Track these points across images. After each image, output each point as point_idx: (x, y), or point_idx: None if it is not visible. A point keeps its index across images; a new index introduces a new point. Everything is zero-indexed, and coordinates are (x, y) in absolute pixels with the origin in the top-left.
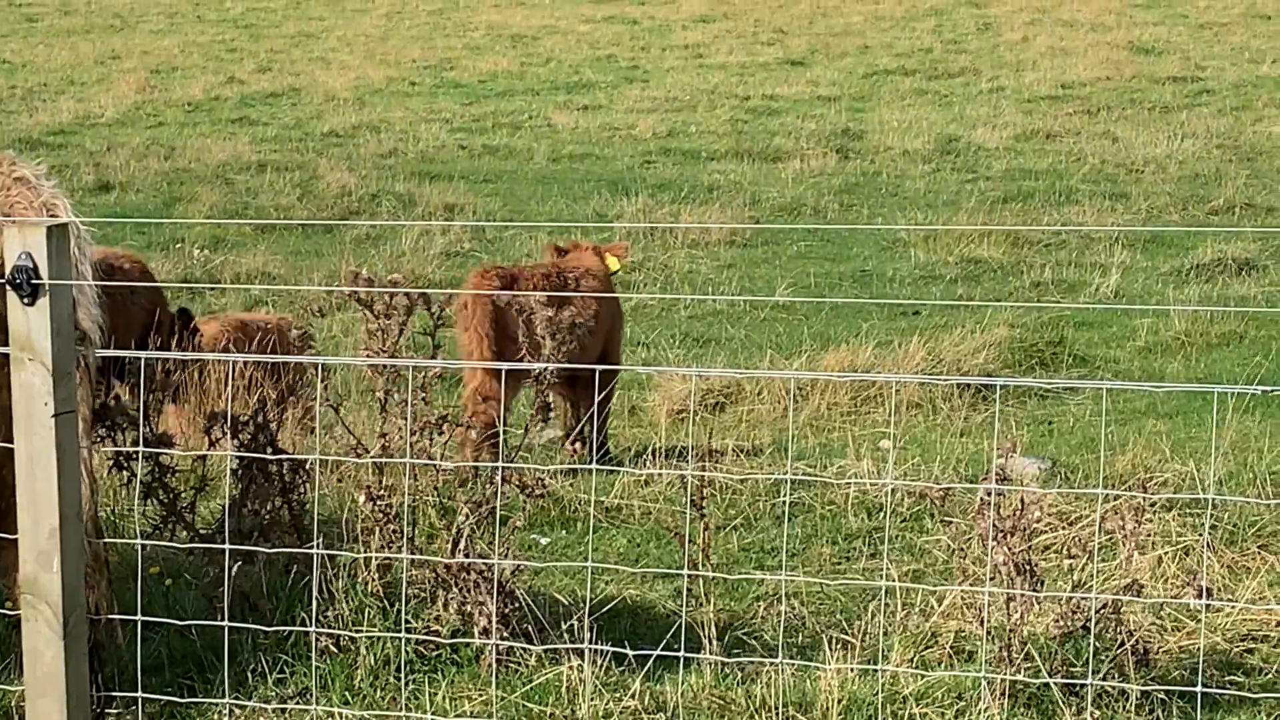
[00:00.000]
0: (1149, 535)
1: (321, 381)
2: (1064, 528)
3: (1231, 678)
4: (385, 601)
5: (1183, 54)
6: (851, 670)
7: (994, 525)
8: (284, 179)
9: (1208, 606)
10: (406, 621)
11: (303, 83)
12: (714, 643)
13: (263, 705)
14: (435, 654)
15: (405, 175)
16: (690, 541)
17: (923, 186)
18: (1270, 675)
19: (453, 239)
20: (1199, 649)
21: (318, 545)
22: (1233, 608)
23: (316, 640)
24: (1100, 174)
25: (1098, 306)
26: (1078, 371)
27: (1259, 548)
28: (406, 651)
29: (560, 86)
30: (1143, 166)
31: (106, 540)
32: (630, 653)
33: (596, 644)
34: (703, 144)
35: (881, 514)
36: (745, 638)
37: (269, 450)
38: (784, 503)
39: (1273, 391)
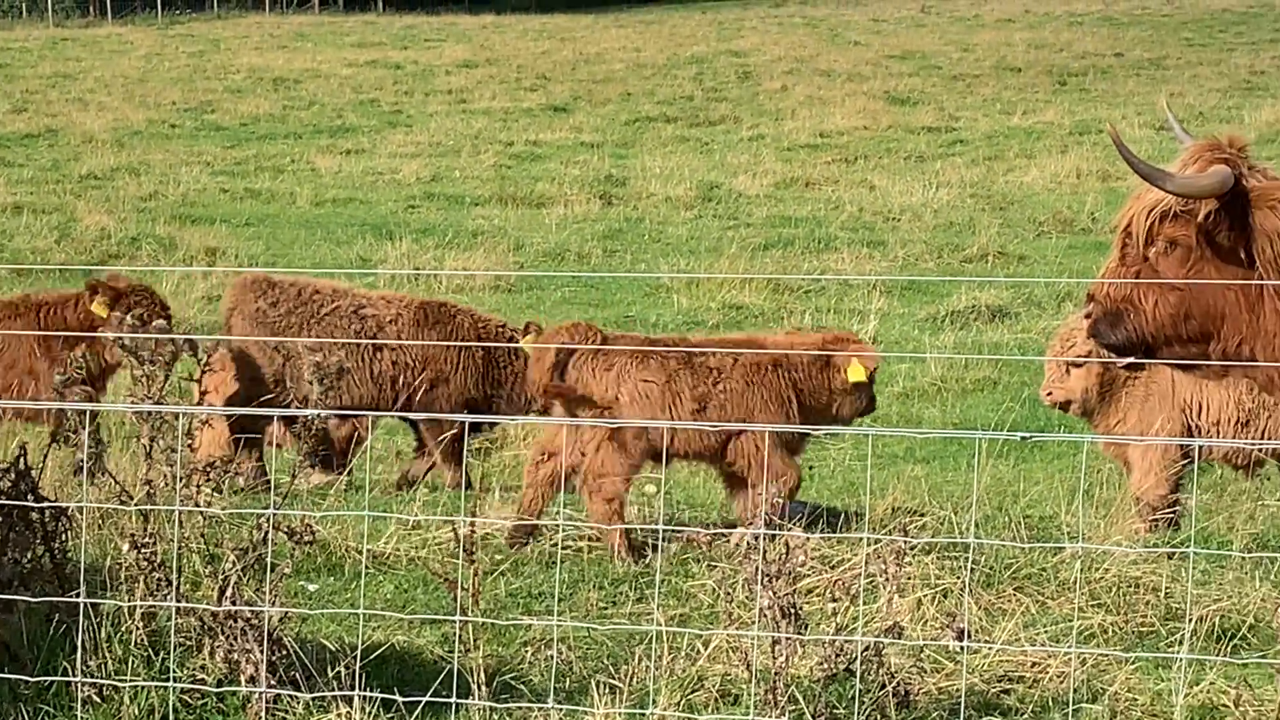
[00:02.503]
0: (910, 578)
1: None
2: (827, 571)
3: (989, 718)
4: (150, 650)
5: (937, 105)
6: (619, 715)
7: (759, 569)
8: (41, 221)
9: (966, 648)
10: (172, 670)
11: (60, 124)
12: (483, 688)
13: None
14: (201, 703)
15: (166, 218)
16: (459, 587)
17: (685, 233)
18: (1027, 715)
19: (214, 283)
20: (959, 690)
21: (81, 594)
22: (990, 649)
23: (79, 690)
24: (858, 222)
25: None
26: None
27: (1015, 590)
28: (172, 701)
29: (323, 130)
30: (899, 214)
31: None
32: (399, 699)
33: (365, 691)
34: (467, 189)
35: (649, 559)
36: (514, 683)
37: (29, 497)
38: (553, 547)
39: (1033, 438)
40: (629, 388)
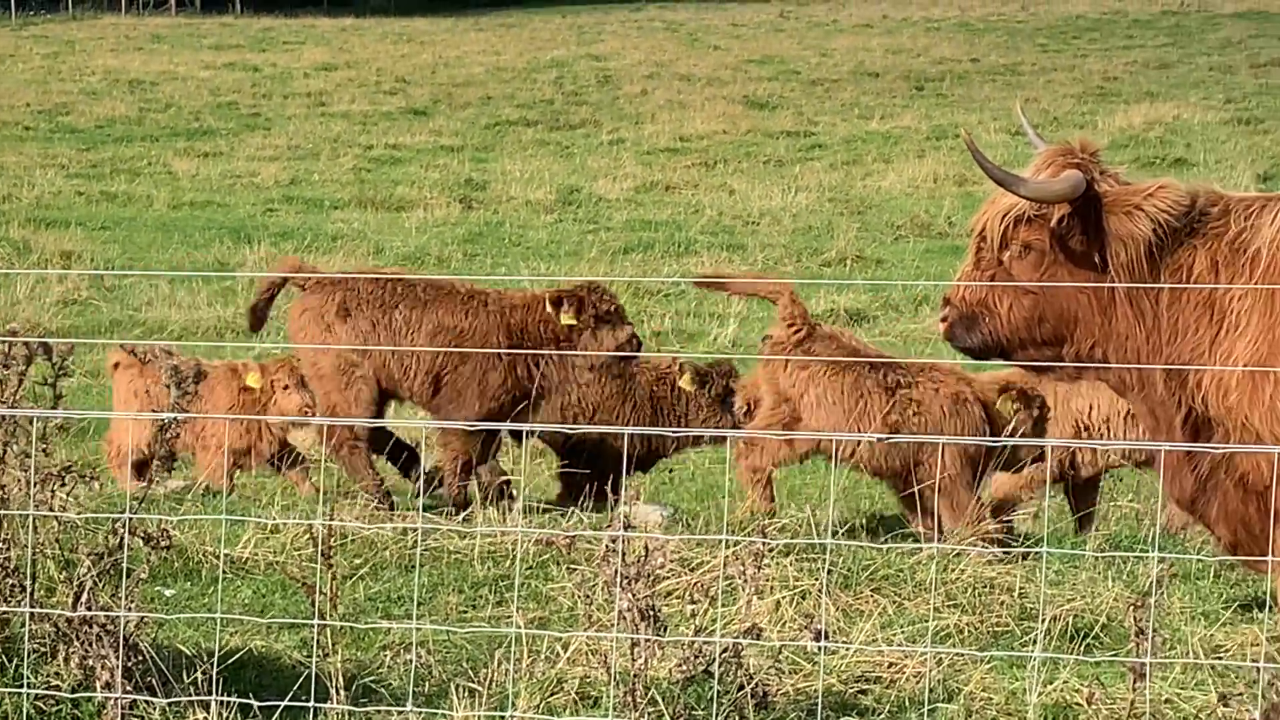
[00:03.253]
0: (769, 580)
1: None
2: (686, 574)
3: (847, 718)
4: (4, 657)
5: (796, 109)
6: (478, 718)
7: (618, 571)
8: None
9: (824, 649)
10: (25, 677)
11: None
12: (341, 692)
13: None
14: (56, 709)
15: (20, 222)
16: (317, 591)
17: (545, 236)
18: (884, 715)
19: (70, 287)
20: (816, 690)
21: None
22: (848, 649)
23: None
24: (718, 225)
25: (716, 355)
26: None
27: (873, 591)
28: (26, 708)
29: (180, 133)
30: (758, 218)
31: None
32: (256, 704)
33: (223, 696)
34: (326, 193)
35: (509, 562)
36: (373, 686)
37: None
38: (412, 551)
39: (888, 439)
40: (816, 391)
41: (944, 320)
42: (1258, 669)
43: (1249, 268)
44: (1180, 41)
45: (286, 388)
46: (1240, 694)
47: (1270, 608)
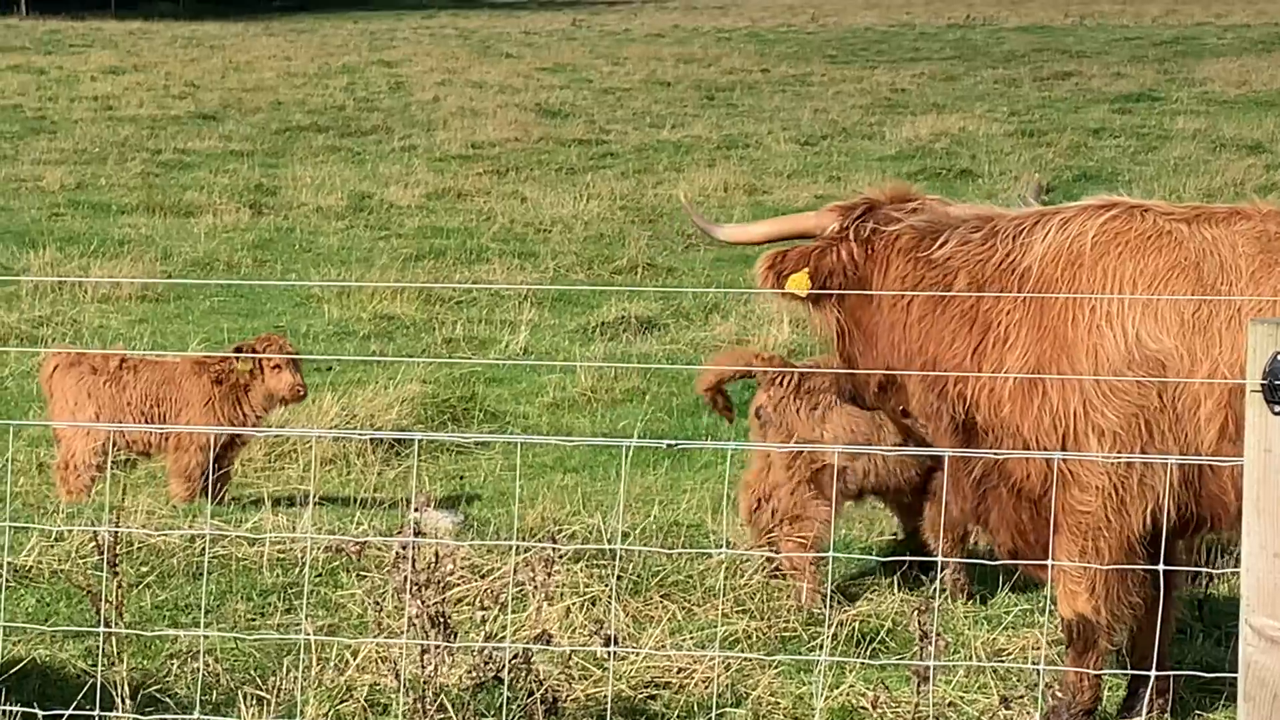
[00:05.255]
0: (560, 586)
1: None
2: (477, 580)
3: None
4: None
5: (588, 117)
6: None
7: (408, 578)
8: None
9: (613, 654)
10: None
11: None
12: (127, 701)
13: None
14: None
15: None
16: (103, 599)
17: (336, 243)
18: None
19: None
20: (606, 696)
21: None
22: (638, 655)
23: None
24: (510, 233)
25: (508, 363)
26: (489, 426)
27: (663, 596)
28: None
29: None
30: (550, 226)
31: None
32: (41, 714)
33: (6, 705)
34: (113, 197)
35: (298, 569)
36: (159, 695)
37: None
38: (200, 558)
39: (678, 445)
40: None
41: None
42: (1037, 671)
43: (1018, 285)
44: (966, 54)
45: (277, 367)
46: (1021, 696)
47: (1049, 611)
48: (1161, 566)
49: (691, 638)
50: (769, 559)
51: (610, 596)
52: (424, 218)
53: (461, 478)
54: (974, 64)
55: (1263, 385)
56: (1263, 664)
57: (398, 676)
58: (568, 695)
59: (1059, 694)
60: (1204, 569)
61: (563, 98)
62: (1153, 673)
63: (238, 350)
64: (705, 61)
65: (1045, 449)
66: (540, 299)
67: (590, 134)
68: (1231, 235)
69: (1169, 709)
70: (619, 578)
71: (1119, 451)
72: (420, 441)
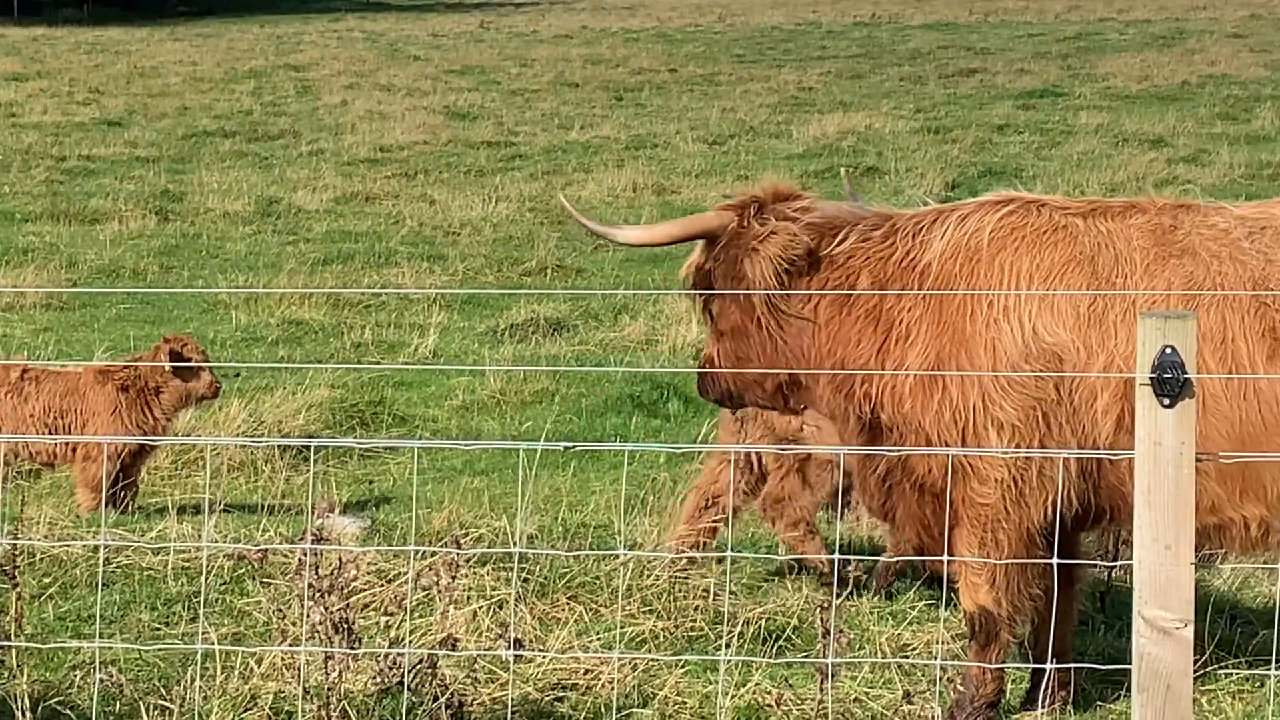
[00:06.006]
0: (465, 590)
1: None
2: (382, 585)
3: None
4: None
5: (496, 119)
6: None
7: (311, 585)
8: None
9: (519, 657)
10: None
11: None
12: (28, 714)
13: None
14: None
15: None
16: (1, 612)
17: (244, 248)
18: None
19: None
20: (512, 699)
21: None
22: (543, 657)
23: None
24: (418, 236)
25: (416, 367)
26: (398, 430)
27: (569, 598)
28: None
29: None
30: (459, 229)
31: None
32: None
33: None
34: (17, 205)
35: (203, 577)
36: (60, 708)
37: None
38: (102, 569)
39: (575, 447)
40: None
41: None
42: (940, 667)
43: (918, 282)
44: (872, 52)
45: (193, 361)
46: (924, 691)
47: (952, 606)
48: (1055, 560)
49: (598, 639)
50: (673, 560)
51: (514, 599)
52: (332, 222)
53: (370, 482)
54: (880, 62)
55: (1152, 379)
56: (1156, 655)
57: (301, 684)
58: (473, 699)
59: (962, 688)
60: (1098, 561)
61: (471, 100)
62: (1049, 665)
63: (158, 349)
64: (613, 62)
65: (946, 444)
66: (449, 302)
67: (499, 136)
68: (1126, 229)
69: (1071, 701)
70: (525, 580)
71: (1018, 444)
72: (326, 447)
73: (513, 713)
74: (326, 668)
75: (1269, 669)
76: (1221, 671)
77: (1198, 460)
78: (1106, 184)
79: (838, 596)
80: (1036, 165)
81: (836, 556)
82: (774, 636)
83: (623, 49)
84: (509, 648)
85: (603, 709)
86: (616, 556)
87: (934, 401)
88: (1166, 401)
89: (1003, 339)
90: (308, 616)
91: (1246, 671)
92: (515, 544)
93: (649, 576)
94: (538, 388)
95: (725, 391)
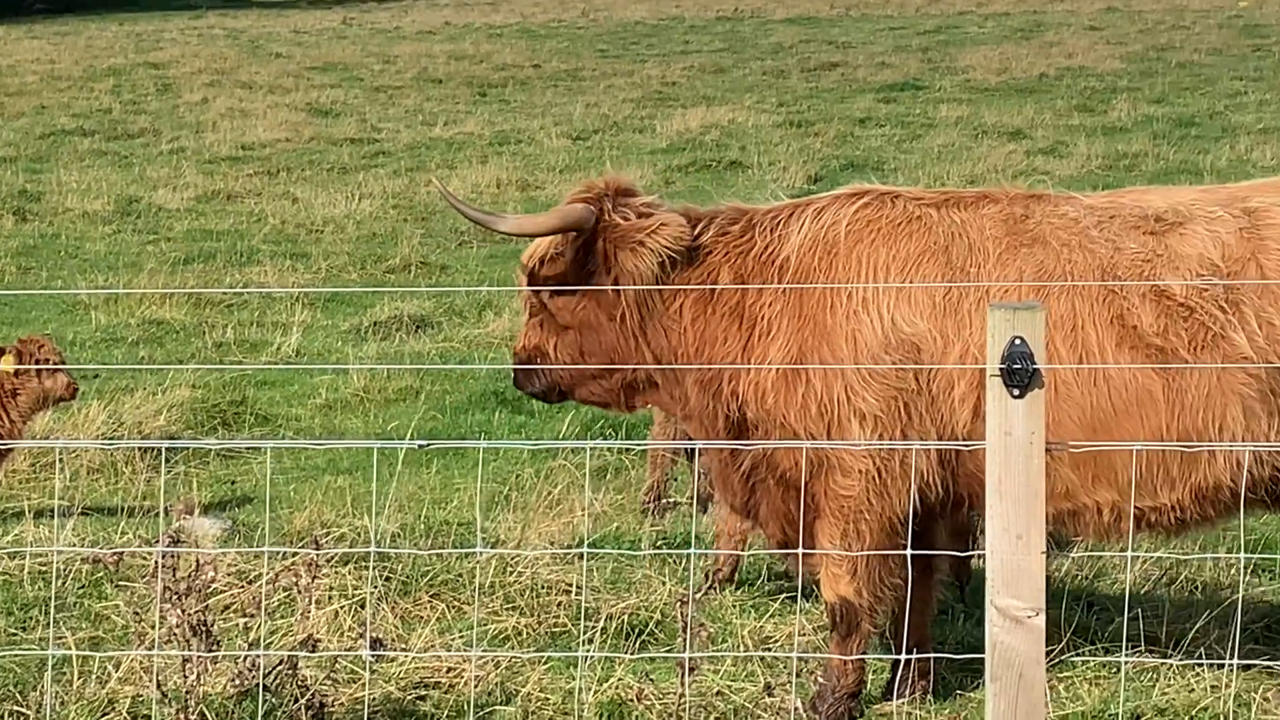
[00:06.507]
0: (326, 590)
1: None
2: (243, 587)
3: None
4: None
5: (359, 116)
6: None
7: (168, 587)
8: None
9: (380, 657)
10: None
11: None
12: None
13: None
14: None
15: None
16: None
17: (103, 248)
18: None
19: None
20: (374, 699)
21: None
22: (405, 656)
23: None
24: (281, 234)
25: (279, 366)
26: (260, 430)
27: (432, 596)
28: None
29: None
30: (322, 226)
31: None
32: None
33: None
34: None
35: (60, 581)
36: None
37: None
38: None
39: (430, 445)
40: None
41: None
42: (800, 659)
43: (778, 276)
44: (735, 47)
45: (49, 363)
46: (785, 683)
47: (813, 597)
48: (909, 551)
49: (461, 637)
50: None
51: (374, 598)
52: (193, 221)
53: (233, 483)
54: (742, 56)
55: (1001, 370)
56: (1008, 644)
57: (159, 687)
58: (334, 700)
59: (823, 679)
60: (950, 551)
61: (334, 97)
62: (903, 656)
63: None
64: (477, 58)
65: (812, 437)
66: (312, 300)
67: (362, 133)
68: (979, 219)
69: (931, 690)
70: (387, 579)
71: (881, 435)
72: (180, 449)
73: (374, 712)
74: (184, 671)
75: (1120, 655)
76: (1078, 658)
77: (1048, 450)
78: (966, 176)
79: (700, 590)
80: (898, 158)
81: (692, 551)
82: (637, 631)
83: (486, 45)
84: (370, 647)
85: (466, 707)
86: (480, 554)
87: (798, 395)
88: (1016, 392)
89: (863, 331)
90: (164, 619)
91: (1103, 658)
92: (381, 543)
93: (512, 573)
94: (401, 385)
95: (552, 386)
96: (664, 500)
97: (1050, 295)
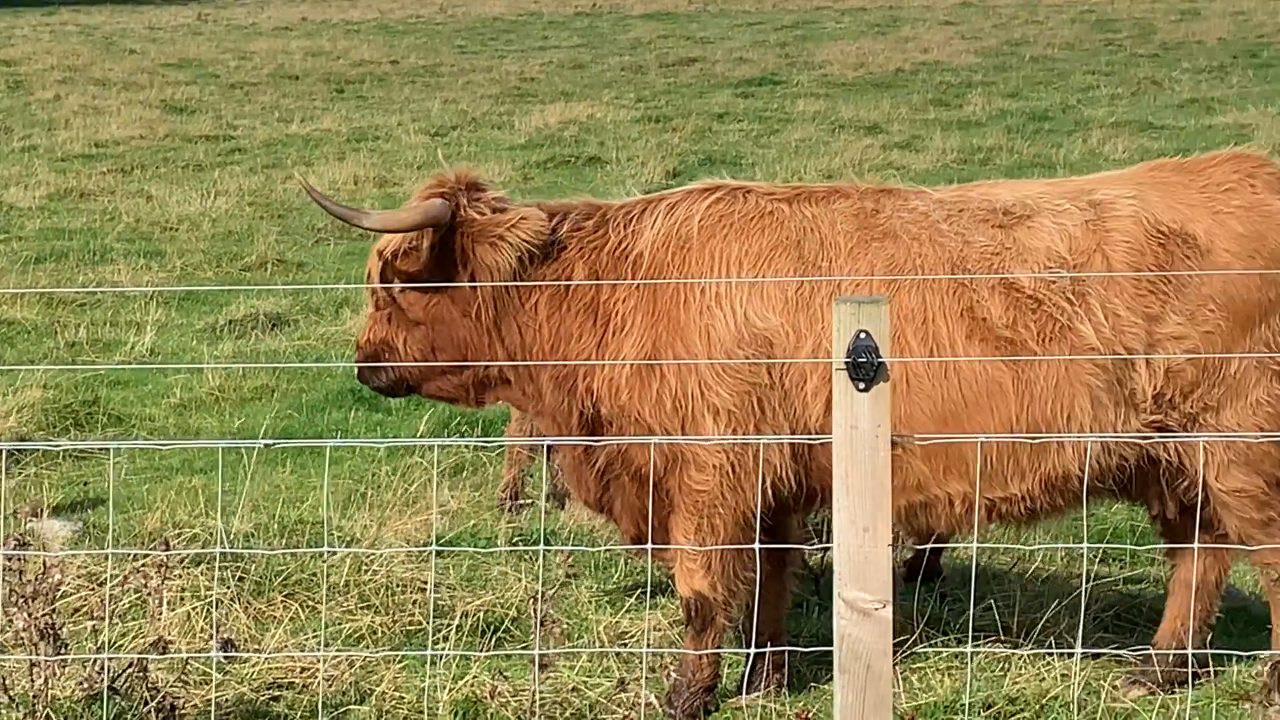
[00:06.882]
0: (178, 591)
1: None
2: (92, 589)
3: None
4: None
5: (215, 113)
6: None
7: (14, 591)
8: None
9: (231, 658)
10: None
11: None
12: None
13: None
14: None
15: None
16: None
17: None
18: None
19: None
20: (226, 700)
21: None
22: (257, 657)
23: None
24: (135, 232)
25: (133, 366)
26: (113, 431)
27: (286, 596)
28: None
29: None
30: (178, 224)
31: None
32: None
33: None
34: None
35: None
36: None
37: None
38: None
39: (275, 444)
40: None
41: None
42: (655, 654)
43: (632, 272)
44: (593, 42)
45: None
46: (638, 678)
47: (669, 592)
48: (758, 545)
49: (314, 637)
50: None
51: (228, 599)
52: (45, 219)
53: (86, 484)
54: (601, 52)
55: (847, 364)
56: (856, 636)
57: (6, 692)
58: (186, 702)
59: (677, 674)
60: (802, 545)
61: (189, 94)
62: (751, 650)
63: None
64: (334, 54)
65: (666, 432)
66: (167, 299)
67: (218, 130)
68: (831, 213)
69: (785, 683)
70: (240, 579)
71: (735, 429)
72: (24, 450)
73: (226, 714)
74: (32, 675)
75: (971, 646)
76: (931, 649)
77: (894, 442)
78: (823, 170)
79: (555, 586)
80: (755, 153)
81: (542, 548)
82: (492, 629)
83: (344, 41)
84: (221, 648)
85: (320, 707)
86: (334, 553)
87: (652, 391)
88: (861, 385)
89: (716, 326)
90: (10, 623)
91: (956, 649)
92: (219, 542)
93: (366, 572)
94: (257, 384)
95: (400, 380)
96: (520, 498)
97: (901, 289)
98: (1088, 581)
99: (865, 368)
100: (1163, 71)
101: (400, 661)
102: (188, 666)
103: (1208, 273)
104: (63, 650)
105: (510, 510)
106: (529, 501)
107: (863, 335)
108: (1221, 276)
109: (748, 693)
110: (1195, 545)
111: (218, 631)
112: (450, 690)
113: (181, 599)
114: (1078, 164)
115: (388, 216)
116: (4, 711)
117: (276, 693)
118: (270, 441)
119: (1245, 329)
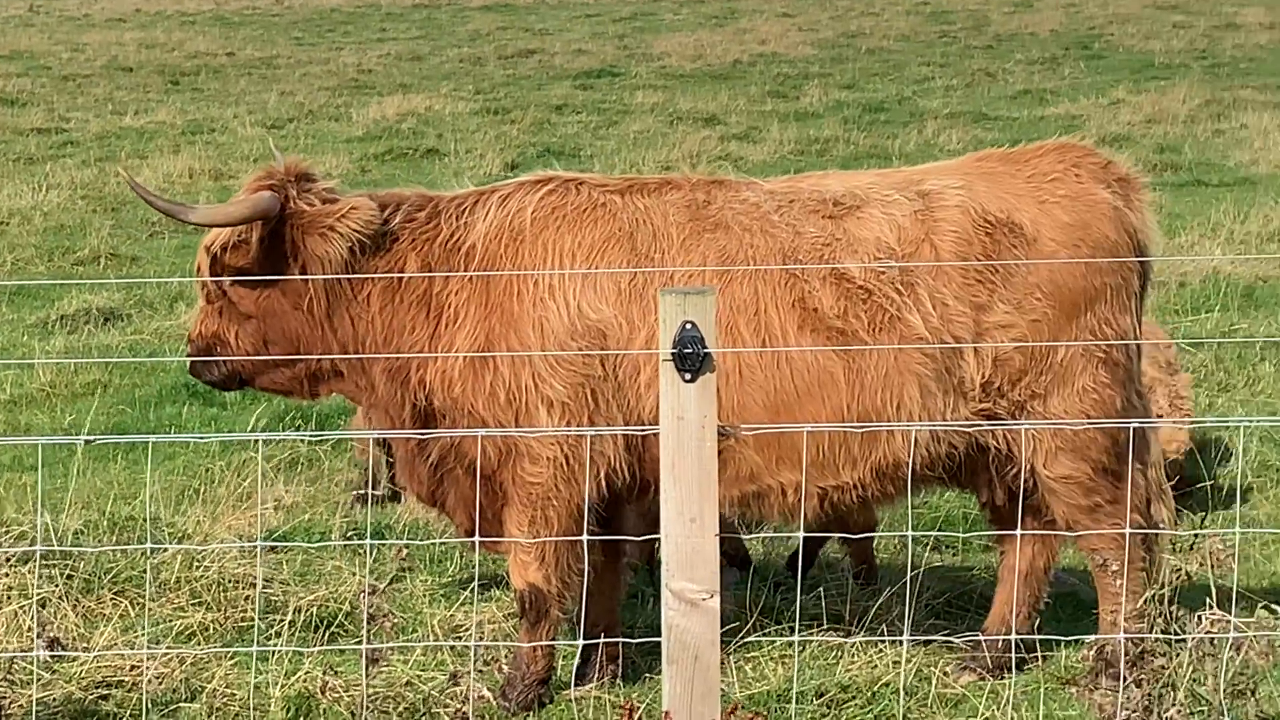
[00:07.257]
0: (5, 590)
1: None
2: None
3: None
4: None
5: (47, 105)
6: None
7: None
8: None
9: (58, 657)
10: None
11: None
12: None
13: None
14: None
15: None
16: None
17: None
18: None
19: None
20: (53, 700)
21: None
22: (86, 656)
23: None
24: None
25: None
26: None
27: (116, 594)
28: None
29: None
30: (8, 218)
31: None
32: None
33: None
34: None
35: None
36: None
37: None
38: None
39: (97, 440)
40: None
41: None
42: (488, 646)
43: (464, 264)
44: (432, 34)
45: None
46: (469, 671)
47: (504, 584)
48: (585, 536)
49: (146, 634)
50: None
51: (59, 596)
52: None
53: None
54: (439, 43)
55: (673, 354)
56: (684, 627)
57: None
58: (11, 701)
59: (510, 667)
60: (630, 536)
61: (20, 86)
62: (580, 641)
63: None
64: (169, 46)
65: (500, 425)
66: None
67: (50, 122)
68: (663, 205)
69: (620, 674)
70: (69, 577)
71: (569, 421)
72: None
73: (54, 714)
74: None
75: (803, 634)
76: (764, 638)
77: (721, 433)
78: (662, 162)
79: (387, 580)
80: (594, 144)
81: (368, 542)
82: (325, 624)
83: (178, 32)
84: (48, 648)
85: (150, 705)
86: (164, 549)
87: (486, 383)
88: (688, 376)
89: (550, 318)
90: None
91: (789, 638)
92: (44, 540)
93: (198, 569)
94: (90, 379)
95: (232, 374)
96: (374, 489)
97: (733, 280)
98: (914, 569)
99: (691, 358)
100: (996, 63)
101: (231, 658)
102: (13, 666)
103: (1033, 262)
104: None
105: (359, 505)
106: (384, 494)
107: (689, 326)
108: (1048, 265)
109: (582, 684)
110: (1021, 532)
111: (44, 630)
112: (282, 686)
113: (8, 597)
114: (913, 155)
115: (214, 211)
116: None
117: (105, 691)
118: (92, 438)
119: (1071, 317)
